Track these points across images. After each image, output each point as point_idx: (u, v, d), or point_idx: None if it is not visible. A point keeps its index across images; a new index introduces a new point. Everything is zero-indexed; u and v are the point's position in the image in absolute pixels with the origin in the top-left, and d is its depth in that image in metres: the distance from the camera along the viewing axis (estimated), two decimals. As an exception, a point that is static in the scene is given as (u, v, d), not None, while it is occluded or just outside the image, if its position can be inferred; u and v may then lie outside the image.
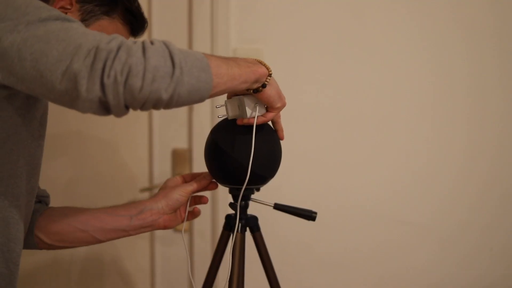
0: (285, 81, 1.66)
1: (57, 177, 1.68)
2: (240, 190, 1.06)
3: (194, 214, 1.17)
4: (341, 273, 1.71)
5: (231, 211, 1.15)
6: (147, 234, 1.73)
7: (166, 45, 0.79)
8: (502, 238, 1.69)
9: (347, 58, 1.65)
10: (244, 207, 1.13)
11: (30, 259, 1.72)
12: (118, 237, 1.07)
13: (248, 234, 1.14)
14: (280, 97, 1.01)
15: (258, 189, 1.13)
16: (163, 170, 1.70)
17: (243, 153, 1.03)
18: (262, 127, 1.07)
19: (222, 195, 1.65)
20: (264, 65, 0.96)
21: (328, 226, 1.68)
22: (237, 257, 1.09)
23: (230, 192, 1.12)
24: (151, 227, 1.07)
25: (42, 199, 1.11)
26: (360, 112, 1.66)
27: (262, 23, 1.66)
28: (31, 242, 1.05)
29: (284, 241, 1.68)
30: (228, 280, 1.08)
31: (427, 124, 1.67)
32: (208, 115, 1.65)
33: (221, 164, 1.05)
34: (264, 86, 0.95)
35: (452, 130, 1.67)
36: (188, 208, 1.12)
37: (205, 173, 1.11)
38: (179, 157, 1.69)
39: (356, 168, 1.68)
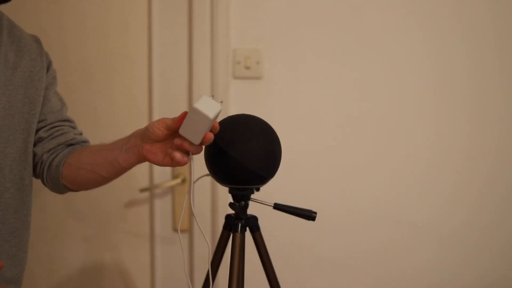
0: (285, 81, 1.67)
1: (57, 177, 1.68)
2: (240, 190, 1.06)
3: (175, 162, 1.02)
4: (341, 273, 1.71)
5: (231, 211, 1.15)
6: (147, 234, 1.73)
7: None
8: (502, 239, 1.69)
9: (347, 58, 1.65)
10: (244, 207, 1.13)
11: (30, 258, 1.72)
12: (116, 170, 1.09)
13: (248, 234, 1.14)
14: None
15: (258, 189, 1.13)
16: (163, 170, 1.70)
17: (243, 153, 1.03)
18: (262, 126, 1.08)
19: (222, 195, 1.66)
20: None
21: (328, 226, 1.68)
22: (237, 257, 1.09)
23: (230, 192, 1.12)
24: (136, 154, 1.04)
25: (73, 142, 1.18)
26: (360, 112, 1.67)
27: (262, 23, 1.66)
28: (61, 189, 1.18)
29: (284, 241, 1.68)
30: (228, 280, 1.09)
31: (427, 124, 1.67)
32: (208, 115, 1.65)
33: (221, 164, 1.05)
34: None
35: (452, 130, 1.66)
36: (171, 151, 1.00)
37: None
38: (179, 157, 1.69)
39: (356, 169, 1.68)
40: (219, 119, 1.05)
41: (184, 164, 0.99)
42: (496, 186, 1.68)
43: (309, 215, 1.12)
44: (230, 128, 1.07)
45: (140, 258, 1.74)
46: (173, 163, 1.01)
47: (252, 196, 1.13)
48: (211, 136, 0.95)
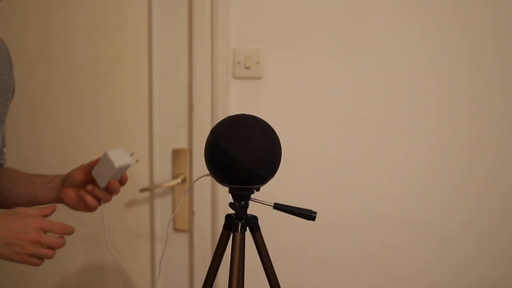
0: (285, 81, 1.67)
1: (57, 177, 1.68)
2: (240, 190, 1.06)
3: (87, 206, 1.12)
4: (341, 274, 1.71)
5: (231, 211, 1.15)
6: (147, 234, 1.73)
7: None
8: (502, 239, 1.69)
9: (347, 59, 1.65)
10: (244, 207, 1.13)
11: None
12: (30, 202, 1.14)
13: (248, 234, 1.14)
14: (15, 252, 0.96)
15: (258, 189, 1.13)
16: (163, 170, 1.70)
17: (243, 153, 1.03)
18: (262, 126, 1.08)
19: (222, 195, 1.65)
20: None
21: (328, 226, 1.68)
22: (237, 257, 1.09)
23: (230, 192, 1.12)
24: (54, 195, 1.12)
25: None
26: (360, 113, 1.66)
27: (262, 23, 1.66)
28: None
29: (284, 241, 1.68)
30: (228, 280, 1.09)
31: (427, 124, 1.67)
32: (208, 115, 1.65)
33: (221, 164, 1.05)
34: None
35: (452, 130, 1.66)
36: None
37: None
38: (179, 157, 1.69)
39: (356, 169, 1.68)
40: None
41: (94, 209, 1.10)
42: (496, 186, 1.68)
43: (309, 215, 1.12)
44: (230, 128, 1.07)
45: (140, 258, 1.74)
46: (85, 208, 1.11)
47: (252, 196, 1.13)
48: (116, 185, 1.07)
